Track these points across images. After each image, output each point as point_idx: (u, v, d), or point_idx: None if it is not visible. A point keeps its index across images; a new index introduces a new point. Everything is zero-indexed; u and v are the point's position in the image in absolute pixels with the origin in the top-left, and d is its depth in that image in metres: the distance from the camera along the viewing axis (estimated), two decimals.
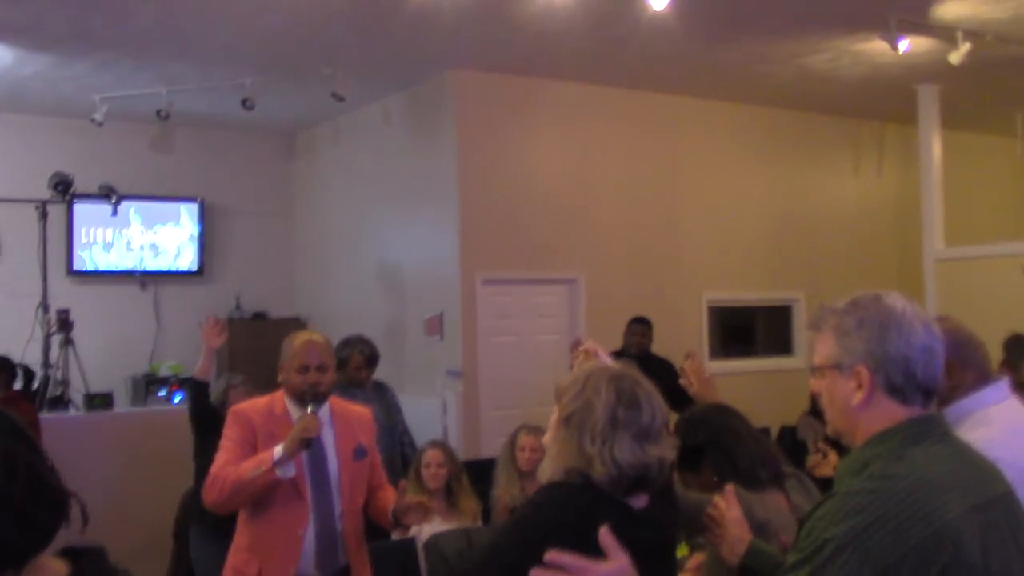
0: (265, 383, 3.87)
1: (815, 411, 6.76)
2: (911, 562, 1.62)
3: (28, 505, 1.31)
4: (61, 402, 6.63)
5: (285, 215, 9.69)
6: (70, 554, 1.43)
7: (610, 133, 8.16)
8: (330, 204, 9.17)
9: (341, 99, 7.34)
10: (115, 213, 7.75)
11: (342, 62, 7.09)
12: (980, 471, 1.79)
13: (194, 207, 9.10)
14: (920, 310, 1.85)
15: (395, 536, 4.41)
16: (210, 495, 3.37)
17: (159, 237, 8.97)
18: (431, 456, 5.07)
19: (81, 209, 8.47)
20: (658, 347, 7.31)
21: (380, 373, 8.24)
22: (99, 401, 6.63)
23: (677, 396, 5.49)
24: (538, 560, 1.93)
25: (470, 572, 2.19)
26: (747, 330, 9.29)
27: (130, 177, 8.62)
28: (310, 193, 9.50)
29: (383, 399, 5.76)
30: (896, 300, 1.84)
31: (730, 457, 2.74)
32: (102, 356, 8.11)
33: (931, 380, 1.81)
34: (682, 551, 4.60)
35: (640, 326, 6.99)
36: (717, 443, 2.78)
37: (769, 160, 9.07)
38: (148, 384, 8.42)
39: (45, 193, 7.20)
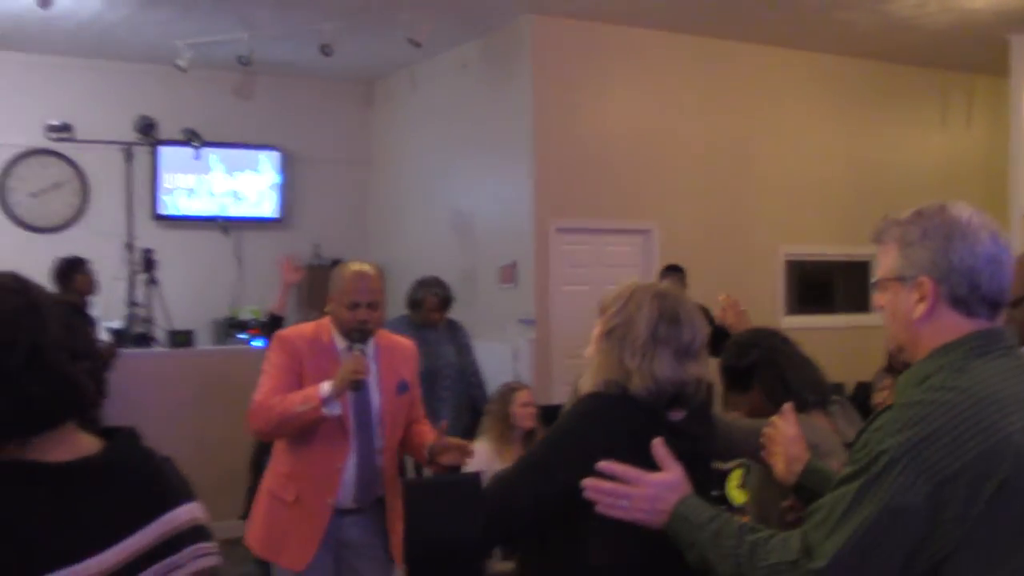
0: None
1: (891, 367, 6.65)
2: (967, 476, 1.58)
3: (21, 381, 1.34)
4: (145, 339, 6.84)
5: (363, 163, 9.79)
6: (104, 432, 1.47)
7: (687, 82, 8.05)
8: (407, 152, 9.24)
9: (417, 45, 7.37)
10: (197, 156, 7.92)
11: (419, 7, 7.11)
12: None
13: (275, 155, 9.25)
14: (988, 219, 1.80)
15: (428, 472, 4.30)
16: (256, 422, 3.37)
17: (240, 184, 9.14)
18: (527, 396, 5.01)
19: (166, 155, 8.66)
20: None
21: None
22: (181, 338, 6.82)
23: (714, 340, 5.58)
24: (579, 468, 1.96)
25: (513, 481, 2.21)
26: (825, 286, 9.15)
27: (212, 124, 8.79)
28: (388, 141, 9.58)
29: (455, 338, 5.80)
30: (962, 209, 1.80)
31: (782, 378, 2.74)
32: (185, 299, 8.33)
33: (997, 292, 1.75)
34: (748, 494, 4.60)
35: (674, 274, 6.93)
36: (769, 364, 2.78)
37: (851, 112, 8.87)
38: (229, 327, 8.63)
39: (131, 137, 7.37)
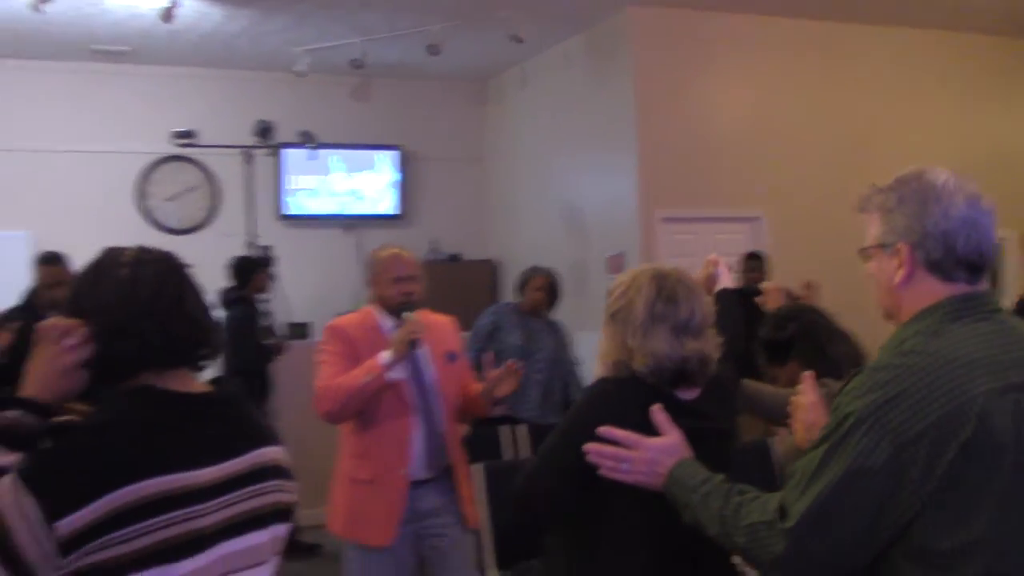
0: (459, 321, 3.99)
1: None
2: (930, 438, 1.59)
3: (168, 320, 1.70)
4: (266, 331, 7.15)
5: (478, 160, 10.01)
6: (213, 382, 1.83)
7: (794, 66, 7.93)
8: (519, 148, 9.40)
9: (520, 41, 7.51)
10: (313, 157, 8.26)
11: (521, 5, 7.24)
12: None
13: (393, 154, 9.55)
14: (967, 184, 1.80)
15: (498, 412, 4.31)
16: (324, 405, 3.50)
17: (360, 183, 9.49)
18: None
19: (289, 158, 9.04)
20: (851, 291, 7.04)
21: (566, 312, 8.49)
22: (298, 330, 7.13)
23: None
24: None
25: (533, 468, 2.32)
26: None
27: (332, 126, 9.16)
28: (501, 138, 9.76)
29: (555, 333, 5.94)
30: (939, 174, 1.81)
31: (819, 350, 2.77)
32: (308, 295, 8.71)
33: (975, 254, 1.75)
34: None
35: (753, 261, 6.77)
36: (807, 336, 2.81)
37: (976, 91, 8.54)
38: None
39: (252, 142, 7.70)
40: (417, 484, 3.62)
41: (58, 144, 8.63)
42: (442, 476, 3.69)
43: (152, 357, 1.70)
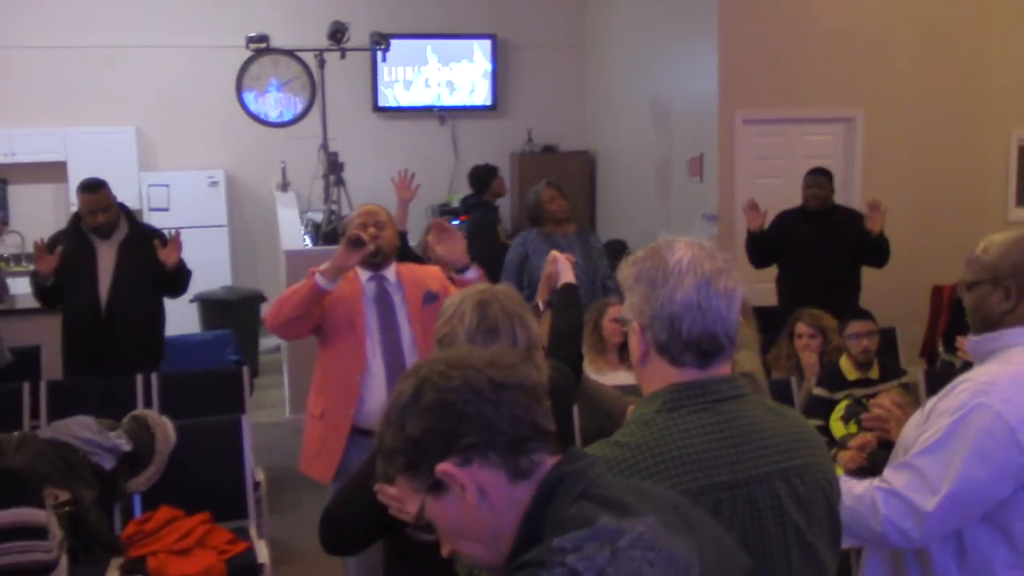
0: None
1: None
2: None
3: None
4: (335, 236, 7.30)
5: (578, 48, 9.70)
6: None
7: None
8: (616, 36, 9.05)
9: None
10: (384, 60, 8.23)
11: None
12: (744, 446, 1.62)
13: (487, 44, 9.39)
14: (704, 262, 1.66)
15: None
16: (269, 320, 3.60)
17: (454, 74, 9.40)
18: (618, 310, 5.05)
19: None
20: (954, 192, 6.67)
21: (648, 213, 8.31)
22: None
23: (866, 247, 5.91)
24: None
25: (342, 493, 2.33)
26: None
27: (427, 16, 9.05)
28: (600, 24, 9.41)
29: (584, 244, 5.73)
30: (676, 251, 1.68)
31: None
32: None
33: (702, 338, 1.65)
34: (850, 428, 4.43)
35: (817, 177, 6.03)
36: None
37: None
38: (442, 213, 9.06)
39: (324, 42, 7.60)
40: (370, 433, 3.66)
41: (160, 39, 8.88)
42: None
43: None
